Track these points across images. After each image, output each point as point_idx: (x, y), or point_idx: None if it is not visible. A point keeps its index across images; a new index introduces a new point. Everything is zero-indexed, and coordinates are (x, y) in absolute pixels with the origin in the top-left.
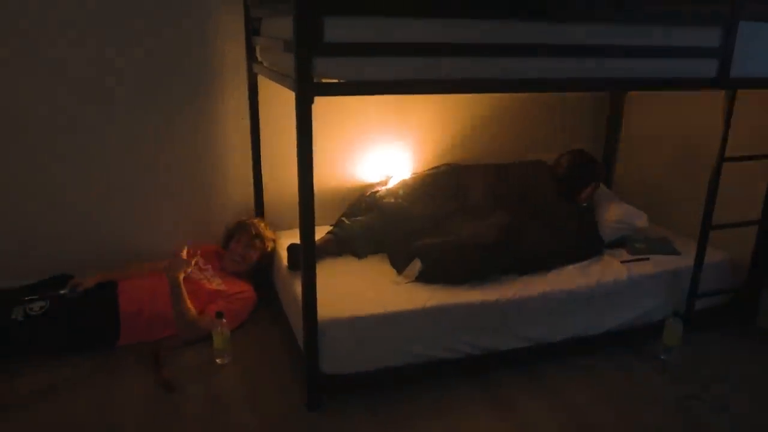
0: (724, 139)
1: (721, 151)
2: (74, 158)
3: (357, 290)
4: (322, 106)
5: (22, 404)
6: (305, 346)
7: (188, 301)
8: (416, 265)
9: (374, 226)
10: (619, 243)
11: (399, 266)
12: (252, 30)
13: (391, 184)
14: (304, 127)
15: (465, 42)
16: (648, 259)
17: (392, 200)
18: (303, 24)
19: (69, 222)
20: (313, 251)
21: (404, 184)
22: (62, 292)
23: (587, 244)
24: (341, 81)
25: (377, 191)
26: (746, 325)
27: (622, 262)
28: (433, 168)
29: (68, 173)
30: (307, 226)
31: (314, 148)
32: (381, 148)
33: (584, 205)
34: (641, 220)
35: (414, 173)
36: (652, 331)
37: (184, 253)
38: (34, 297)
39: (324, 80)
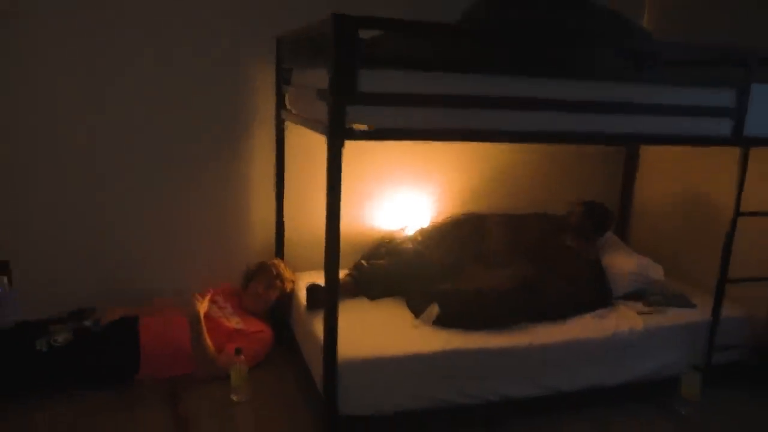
0: (739, 195)
1: (737, 206)
2: (105, 199)
3: (376, 332)
4: (347, 154)
5: None
6: (324, 385)
7: (208, 338)
8: (434, 310)
9: (392, 270)
10: (636, 295)
11: (417, 310)
12: (283, 79)
13: (410, 231)
14: (334, 169)
15: (488, 95)
16: (665, 311)
17: (411, 246)
18: (339, 75)
19: (96, 258)
20: (336, 292)
21: (423, 231)
22: (86, 324)
23: (598, 295)
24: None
25: (396, 236)
26: (765, 380)
27: (638, 313)
28: (452, 216)
29: (99, 213)
30: (331, 267)
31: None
32: (402, 195)
33: (592, 258)
34: (657, 272)
35: (434, 221)
36: (670, 384)
37: (204, 304)
38: (58, 329)
39: (356, 126)
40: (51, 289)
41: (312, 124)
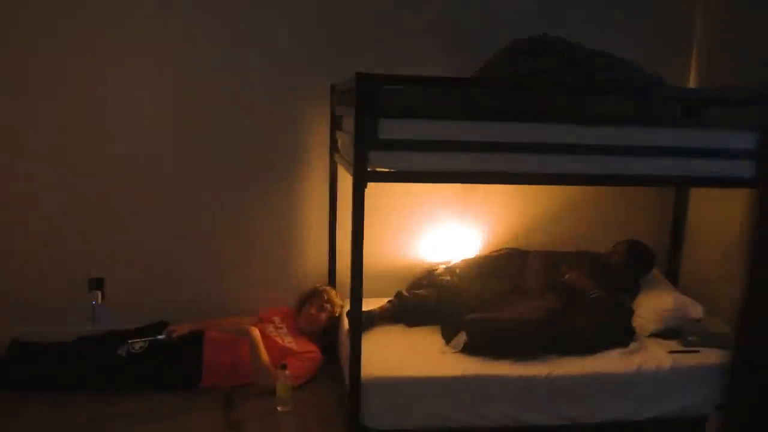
0: None
1: None
2: (182, 228)
3: (404, 355)
4: (396, 191)
5: (111, 425)
6: (349, 399)
7: (264, 352)
8: (462, 338)
9: (429, 300)
10: (674, 333)
11: (447, 337)
12: (335, 124)
13: (452, 264)
14: (358, 206)
15: (499, 140)
16: (698, 351)
17: (449, 278)
18: (361, 124)
19: (170, 278)
20: (359, 315)
21: (464, 264)
22: (159, 337)
23: (619, 334)
24: (392, 170)
25: (438, 269)
26: None
27: (670, 352)
28: (495, 251)
29: (177, 241)
30: (356, 293)
31: (386, 225)
32: (448, 229)
33: (624, 297)
34: (696, 310)
35: (477, 254)
36: (698, 425)
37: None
38: (137, 339)
39: (378, 169)
40: (135, 304)
41: (348, 166)
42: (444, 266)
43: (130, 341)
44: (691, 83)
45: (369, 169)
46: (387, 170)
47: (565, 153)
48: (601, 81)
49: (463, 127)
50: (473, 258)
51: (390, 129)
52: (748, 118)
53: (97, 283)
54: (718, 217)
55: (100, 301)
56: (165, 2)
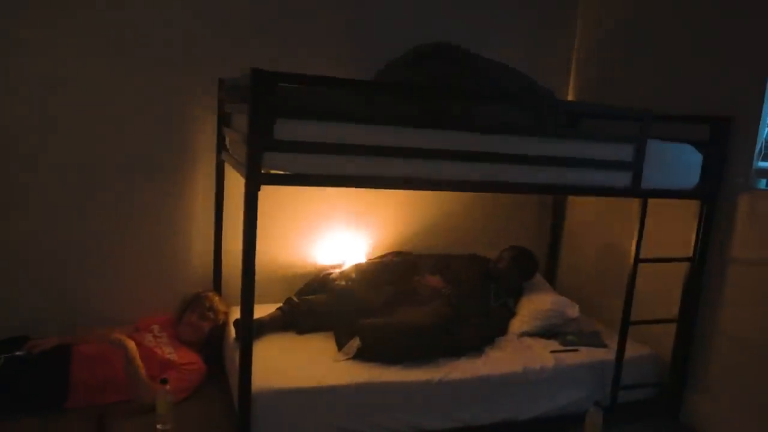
0: (639, 242)
1: (636, 253)
2: (42, 228)
3: (295, 364)
4: (287, 193)
5: None
6: (239, 413)
7: (141, 366)
8: (355, 343)
9: (321, 305)
10: (553, 333)
11: (341, 343)
12: (223, 122)
13: (344, 268)
14: (250, 210)
15: (396, 145)
16: (577, 350)
17: (343, 283)
18: (256, 123)
19: (32, 286)
20: (250, 325)
21: (358, 269)
22: (18, 353)
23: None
24: (287, 173)
25: (330, 273)
26: (669, 420)
27: (551, 351)
28: (384, 255)
29: (36, 242)
30: (246, 300)
31: (274, 229)
32: (338, 233)
33: (503, 301)
34: (573, 310)
35: (369, 258)
36: (578, 421)
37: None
38: None
39: (272, 171)
40: None
41: (238, 166)
42: (337, 271)
43: None
44: (570, 97)
45: (263, 171)
46: (281, 173)
47: (459, 160)
48: (504, 90)
49: (363, 131)
50: (367, 263)
51: (286, 129)
52: (623, 131)
53: None
54: (592, 223)
55: None
56: None
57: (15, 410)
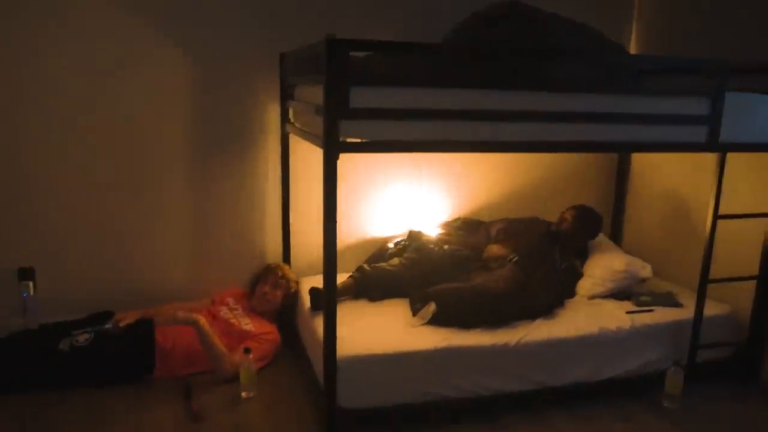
0: (717, 198)
1: (715, 209)
2: (122, 208)
3: (374, 330)
4: (350, 164)
5: (61, 426)
6: (324, 380)
7: (217, 340)
8: (431, 308)
9: (392, 272)
10: (626, 294)
11: (416, 309)
12: (287, 94)
13: (431, 233)
14: (330, 180)
15: (472, 108)
16: (652, 310)
17: (434, 247)
18: (332, 93)
19: (114, 263)
20: (334, 292)
21: (426, 237)
22: (106, 326)
23: (560, 298)
24: (363, 140)
25: (399, 242)
26: (749, 378)
27: (627, 312)
28: (452, 221)
29: (116, 221)
30: (329, 268)
31: (340, 201)
32: (402, 203)
33: (569, 263)
34: (645, 270)
35: (437, 226)
36: (656, 381)
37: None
38: (80, 330)
39: (348, 140)
40: (71, 294)
41: (311, 137)
42: (404, 240)
43: (73, 333)
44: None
45: (340, 140)
46: (358, 140)
47: (536, 120)
48: (580, 47)
49: (436, 95)
50: (446, 225)
51: (362, 97)
52: (695, 85)
53: (28, 274)
54: (657, 182)
55: (32, 292)
56: None
57: (105, 381)
